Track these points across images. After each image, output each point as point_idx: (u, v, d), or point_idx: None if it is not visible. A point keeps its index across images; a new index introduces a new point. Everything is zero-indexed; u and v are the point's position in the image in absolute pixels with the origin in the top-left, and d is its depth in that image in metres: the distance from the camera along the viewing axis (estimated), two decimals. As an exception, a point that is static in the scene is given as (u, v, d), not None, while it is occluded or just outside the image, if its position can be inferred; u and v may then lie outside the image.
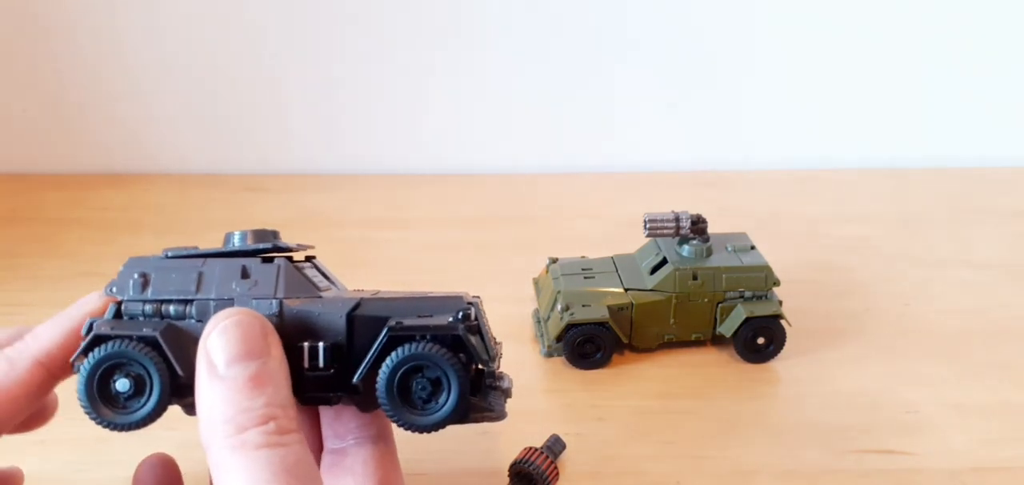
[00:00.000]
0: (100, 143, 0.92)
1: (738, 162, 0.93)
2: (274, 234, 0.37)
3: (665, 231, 0.60)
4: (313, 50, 0.88)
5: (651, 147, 0.93)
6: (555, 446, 0.51)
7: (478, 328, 0.36)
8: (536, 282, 0.66)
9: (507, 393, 0.39)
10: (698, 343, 0.62)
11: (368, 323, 0.35)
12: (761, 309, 0.59)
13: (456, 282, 0.72)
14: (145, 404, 0.34)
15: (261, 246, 0.37)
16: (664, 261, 0.60)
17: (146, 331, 0.34)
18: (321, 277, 0.38)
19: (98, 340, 0.34)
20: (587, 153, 0.93)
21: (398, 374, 0.34)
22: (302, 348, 0.35)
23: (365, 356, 0.35)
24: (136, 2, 0.86)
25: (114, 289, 0.36)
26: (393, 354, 0.34)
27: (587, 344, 0.59)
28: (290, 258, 0.37)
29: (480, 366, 0.36)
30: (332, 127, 0.92)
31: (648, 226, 0.60)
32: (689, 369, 0.60)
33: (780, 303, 0.60)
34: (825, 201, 0.86)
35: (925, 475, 0.50)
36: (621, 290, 0.60)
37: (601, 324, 0.59)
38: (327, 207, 0.85)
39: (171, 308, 0.35)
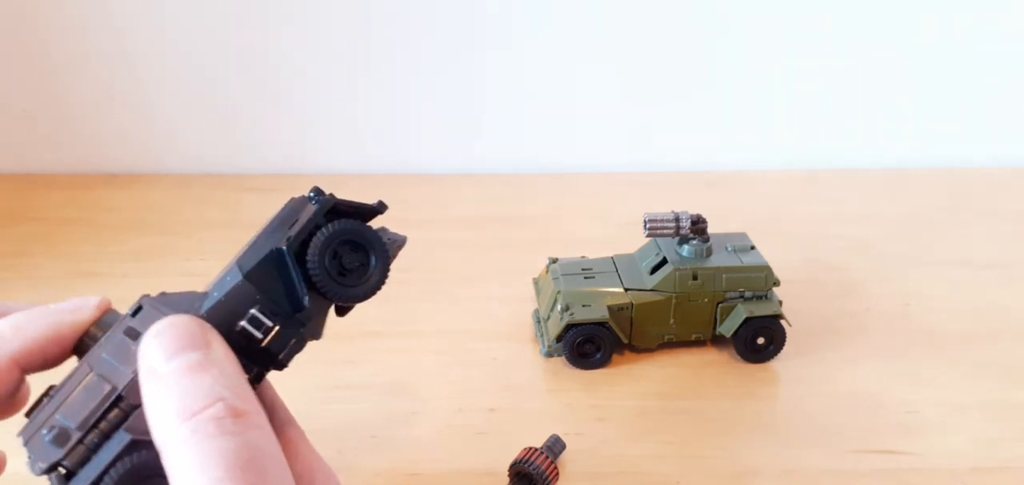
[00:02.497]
0: (100, 143, 0.92)
1: (738, 162, 0.93)
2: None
3: (665, 231, 0.60)
4: (313, 50, 0.89)
5: (651, 147, 0.93)
6: (555, 446, 0.51)
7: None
8: (536, 282, 0.66)
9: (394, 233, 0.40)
10: (698, 343, 0.62)
11: (264, 266, 0.34)
12: (761, 309, 0.59)
13: (456, 282, 0.72)
14: None
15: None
16: (664, 261, 0.60)
17: (120, 447, 0.31)
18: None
19: None
20: (586, 153, 0.93)
21: (326, 261, 0.35)
22: (243, 327, 0.33)
23: (283, 293, 0.34)
24: (136, 2, 0.86)
25: (40, 466, 0.31)
26: (309, 252, 0.34)
27: (587, 344, 0.59)
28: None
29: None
30: (332, 127, 0.92)
31: (648, 226, 0.60)
32: (689, 369, 0.60)
33: (780, 303, 0.60)
34: (825, 201, 0.86)
35: (925, 475, 0.50)
36: (621, 290, 0.60)
37: (601, 324, 0.59)
38: (327, 207, 0.85)
39: (107, 420, 0.32)
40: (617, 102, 0.91)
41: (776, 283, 0.60)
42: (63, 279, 0.72)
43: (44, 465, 0.31)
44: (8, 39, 0.88)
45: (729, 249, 0.61)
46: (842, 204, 0.85)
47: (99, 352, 0.33)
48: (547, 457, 0.49)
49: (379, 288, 0.36)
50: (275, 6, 0.86)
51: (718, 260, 0.60)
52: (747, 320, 0.59)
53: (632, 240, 0.65)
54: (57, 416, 0.32)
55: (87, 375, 0.32)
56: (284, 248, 0.34)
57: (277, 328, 0.33)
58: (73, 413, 0.32)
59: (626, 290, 0.60)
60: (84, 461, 0.31)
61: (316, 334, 0.36)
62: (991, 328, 0.64)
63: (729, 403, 0.57)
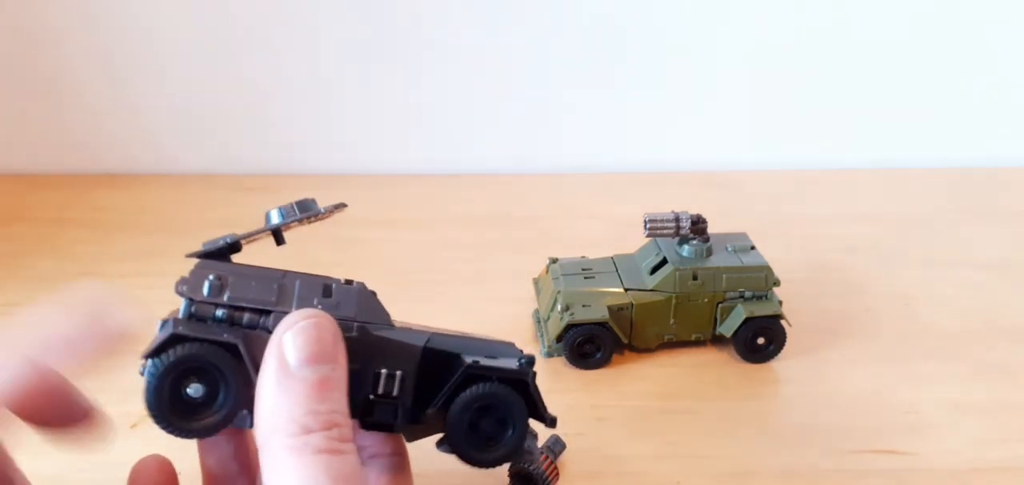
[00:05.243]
0: (100, 143, 0.92)
1: (738, 162, 0.93)
2: (313, 201, 0.37)
3: (665, 231, 0.60)
4: (312, 50, 0.88)
5: (652, 147, 0.93)
6: (555, 446, 0.50)
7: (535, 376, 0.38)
8: (536, 282, 0.66)
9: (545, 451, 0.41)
10: (698, 343, 0.62)
11: (440, 357, 0.36)
12: (761, 309, 0.59)
13: (456, 282, 0.72)
14: (214, 413, 0.33)
15: (302, 214, 0.37)
16: (664, 261, 0.60)
17: (227, 337, 0.32)
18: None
19: (176, 340, 0.32)
20: (587, 153, 0.93)
21: (472, 410, 0.36)
22: (380, 374, 0.35)
23: (432, 387, 0.36)
24: (135, 2, 0.86)
25: (184, 288, 0.34)
26: (472, 389, 0.35)
27: (587, 344, 0.59)
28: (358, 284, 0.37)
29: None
30: (331, 127, 0.92)
31: (648, 226, 0.60)
32: (689, 369, 0.60)
33: (780, 303, 0.60)
34: (825, 201, 0.86)
35: (925, 475, 0.50)
36: (621, 290, 0.60)
37: (601, 324, 0.59)
38: (327, 207, 0.85)
39: (245, 317, 0.34)
40: (616, 102, 0.91)
41: (776, 283, 0.60)
42: (62, 280, 0.71)
43: (185, 295, 0.34)
44: (8, 40, 0.87)
45: (729, 249, 0.61)
46: (842, 204, 0.85)
47: (296, 279, 0.35)
48: (547, 457, 0.49)
49: (485, 464, 0.37)
50: (274, 6, 0.86)
51: (718, 260, 0.60)
52: (747, 320, 0.59)
53: (632, 240, 0.65)
54: (232, 280, 0.34)
55: (278, 280, 0.35)
56: (467, 366, 0.35)
57: (395, 400, 0.35)
58: (241, 289, 0.34)
59: (626, 290, 0.60)
60: (206, 319, 0.33)
61: (411, 437, 0.38)
62: (991, 328, 0.64)
63: (729, 403, 0.57)
